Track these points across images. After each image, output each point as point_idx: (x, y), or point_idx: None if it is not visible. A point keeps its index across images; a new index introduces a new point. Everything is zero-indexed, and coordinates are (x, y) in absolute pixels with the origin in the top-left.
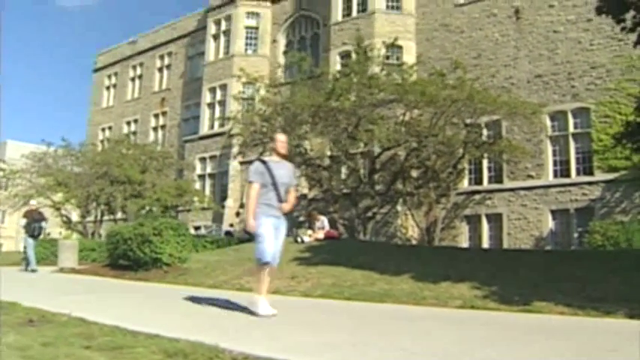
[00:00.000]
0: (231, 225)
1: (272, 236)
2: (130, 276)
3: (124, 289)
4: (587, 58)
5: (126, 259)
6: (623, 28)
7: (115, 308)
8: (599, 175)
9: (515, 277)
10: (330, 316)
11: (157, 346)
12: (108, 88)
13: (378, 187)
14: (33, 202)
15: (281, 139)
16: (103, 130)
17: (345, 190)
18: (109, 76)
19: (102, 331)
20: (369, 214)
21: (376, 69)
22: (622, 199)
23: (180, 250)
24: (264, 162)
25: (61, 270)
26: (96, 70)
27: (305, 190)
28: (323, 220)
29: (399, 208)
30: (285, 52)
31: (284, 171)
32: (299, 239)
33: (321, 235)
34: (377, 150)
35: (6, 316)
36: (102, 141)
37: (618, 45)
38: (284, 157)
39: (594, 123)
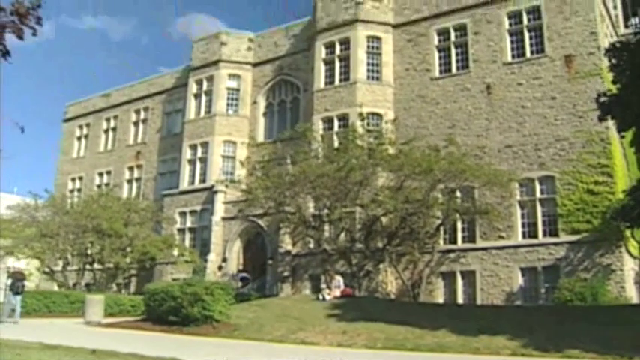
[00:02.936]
0: (240, 271)
1: None
2: (181, 331)
3: (221, 345)
4: (552, 132)
5: (174, 315)
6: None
7: None
8: (564, 237)
9: (537, 330)
10: None
11: None
12: (79, 138)
13: (372, 246)
14: (18, 265)
15: None
16: (73, 180)
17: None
18: (81, 127)
19: None
20: (364, 271)
21: (372, 140)
22: (584, 258)
23: (228, 307)
24: None
25: (88, 323)
26: (66, 120)
27: (289, 247)
28: (339, 280)
29: (380, 265)
30: (264, 114)
31: None
32: (320, 297)
33: (338, 292)
34: (377, 213)
35: None
36: (71, 191)
37: (579, 121)
38: None
39: (558, 190)
